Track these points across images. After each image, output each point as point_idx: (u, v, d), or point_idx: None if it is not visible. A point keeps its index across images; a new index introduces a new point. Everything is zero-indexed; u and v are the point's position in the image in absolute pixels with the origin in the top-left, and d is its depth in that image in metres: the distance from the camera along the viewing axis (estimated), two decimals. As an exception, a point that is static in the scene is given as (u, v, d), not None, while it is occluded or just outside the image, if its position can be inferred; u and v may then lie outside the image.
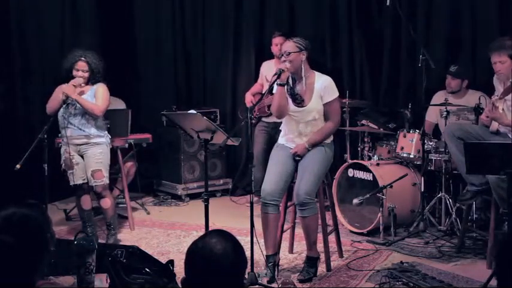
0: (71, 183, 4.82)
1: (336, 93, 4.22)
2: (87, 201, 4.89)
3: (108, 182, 4.84)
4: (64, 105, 4.67)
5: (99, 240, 4.81)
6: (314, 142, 4.17)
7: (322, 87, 4.16)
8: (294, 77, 4.21)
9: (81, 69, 4.73)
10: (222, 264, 1.96)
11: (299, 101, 4.17)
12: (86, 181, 4.80)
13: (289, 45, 4.17)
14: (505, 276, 1.88)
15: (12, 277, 2.03)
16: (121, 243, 4.86)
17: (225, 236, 2.04)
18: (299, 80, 4.20)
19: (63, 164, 4.81)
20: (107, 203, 4.84)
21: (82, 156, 4.79)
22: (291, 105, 4.20)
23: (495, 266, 1.94)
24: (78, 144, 4.77)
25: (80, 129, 4.73)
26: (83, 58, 4.74)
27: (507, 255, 1.88)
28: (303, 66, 4.16)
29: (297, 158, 4.19)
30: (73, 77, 4.73)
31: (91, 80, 4.80)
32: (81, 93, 4.75)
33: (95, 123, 4.78)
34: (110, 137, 4.96)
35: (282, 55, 4.19)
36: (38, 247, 2.13)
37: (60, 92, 4.66)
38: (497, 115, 4.21)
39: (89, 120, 4.75)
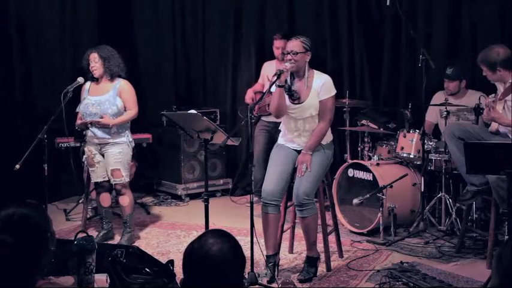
0: (92, 181, 5.01)
1: (333, 92, 4.19)
2: (106, 199, 5.03)
3: (128, 180, 4.90)
4: (83, 104, 4.84)
5: (115, 237, 5.00)
6: (312, 146, 4.14)
7: (320, 85, 4.15)
8: (293, 74, 4.20)
9: (93, 60, 4.82)
10: (220, 265, 1.95)
11: (295, 98, 4.16)
12: (106, 179, 4.89)
13: (296, 45, 4.11)
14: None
15: (12, 277, 2.03)
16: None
17: (221, 236, 2.03)
18: (299, 78, 4.19)
19: (86, 162, 4.97)
20: (125, 200, 4.92)
21: (103, 155, 4.87)
22: (288, 103, 4.18)
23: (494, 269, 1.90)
24: (99, 144, 4.85)
25: (96, 133, 4.81)
26: (93, 50, 4.84)
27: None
28: (306, 67, 4.16)
29: (307, 170, 4.10)
30: (93, 78, 4.87)
31: (107, 72, 4.81)
32: (103, 90, 4.81)
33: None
34: (130, 136, 4.97)
35: (288, 53, 4.11)
36: (38, 247, 2.13)
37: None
38: (496, 116, 4.21)
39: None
